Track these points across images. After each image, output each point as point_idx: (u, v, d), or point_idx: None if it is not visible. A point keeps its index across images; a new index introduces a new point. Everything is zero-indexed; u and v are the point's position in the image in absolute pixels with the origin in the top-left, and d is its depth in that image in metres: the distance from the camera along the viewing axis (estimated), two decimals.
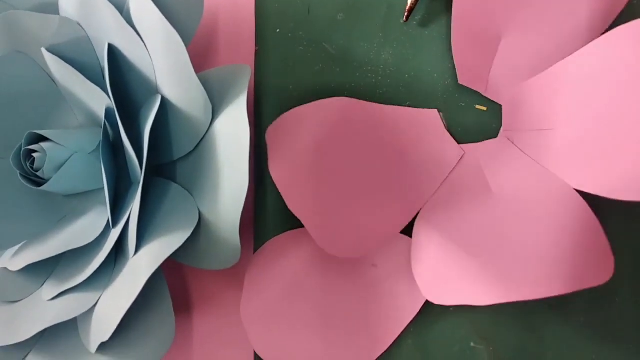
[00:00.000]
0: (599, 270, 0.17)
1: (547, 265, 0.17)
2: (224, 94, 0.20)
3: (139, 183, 0.20)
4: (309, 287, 0.21)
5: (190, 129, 0.20)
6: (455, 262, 0.19)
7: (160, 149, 0.22)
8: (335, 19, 0.23)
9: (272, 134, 0.22)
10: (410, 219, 0.21)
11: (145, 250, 0.20)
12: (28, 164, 0.22)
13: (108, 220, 0.21)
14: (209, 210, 0.20)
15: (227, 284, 0.23)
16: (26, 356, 0.21)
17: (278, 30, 0.24)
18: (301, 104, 0.22)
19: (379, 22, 0.23)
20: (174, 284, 0.23)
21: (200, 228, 0.20)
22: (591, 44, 0.18)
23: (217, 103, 0.20)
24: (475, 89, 0.22)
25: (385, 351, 0.21)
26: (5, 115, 0.23)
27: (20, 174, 0.22)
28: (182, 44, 0.19)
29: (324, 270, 0.21)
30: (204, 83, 0.19)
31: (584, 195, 0.18)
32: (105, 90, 0.21)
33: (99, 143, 0.21)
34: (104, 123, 0.21)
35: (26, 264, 0.21)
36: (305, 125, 0.22)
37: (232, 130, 0.19)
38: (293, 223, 0.21)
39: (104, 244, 0.21)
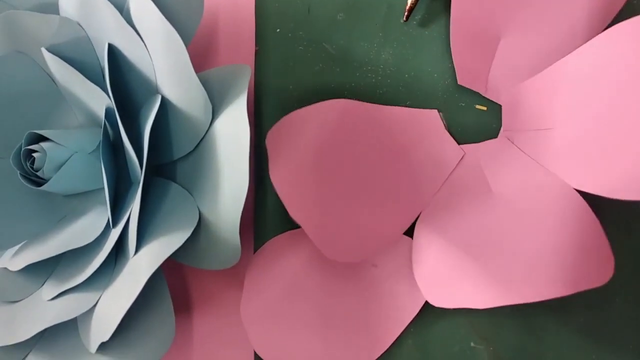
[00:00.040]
0: (599, 270, 0.17)
1: (547, 267, 0.17)
2: (224, 94, 0.20)
3: (139, 183, 0.20)
4: (308, 287, 0.21)
5: (190, 129, 0.20)
6: (456, 264, 0.19)
7: (160, 149, 0.22)
8: (335, 19, 0.23)
9: (272, 139, 0.22)
10: (411, 222, 0.21)
11: (145, 250, 0.20)
12: (28, 164, 0.22)
13: (108, 220, 0.21)
14: (209, 210, 0.20)
15: (227, 284, 0.23)
16: (26, 356, 0.21)
17: (278, 30, 0.24)
18: (301, 104, 0.22)
19: (379, 22, 0.23)
20: (174, 284, 0.23)
21: (200, 228, 0.20)
22: (591, 41, 0.18)
23: (217, 103, 0.20)
24: (474, 89, 0.22)
25: (385, 351, 0.21)
26: (5, 115, 0.23)
27: (20, 174, 0.22)
28: (182, 44, 0.19)
29: (324, 270, 0.21)
30: (204, 83, 0.19)
31: (584, 195, 0.18)
32: (105, 90, 0.21)
33: (99, 143, 0.21)
34: (104, 123, 0.21)
35: (26, 264, 0.21)
36: (306, 129, 0.22)
37: (232, 130, 0.19)
38: (293, 223, 0.21)
39: (104, 244, 0.21)
